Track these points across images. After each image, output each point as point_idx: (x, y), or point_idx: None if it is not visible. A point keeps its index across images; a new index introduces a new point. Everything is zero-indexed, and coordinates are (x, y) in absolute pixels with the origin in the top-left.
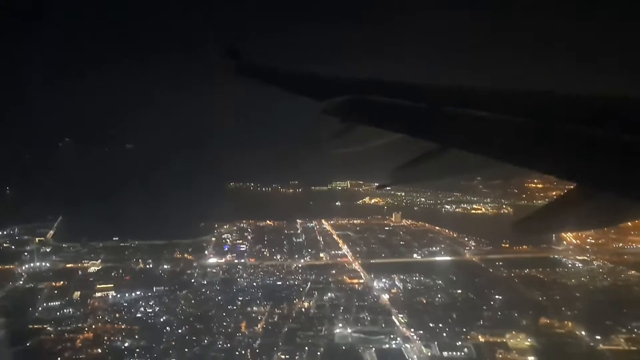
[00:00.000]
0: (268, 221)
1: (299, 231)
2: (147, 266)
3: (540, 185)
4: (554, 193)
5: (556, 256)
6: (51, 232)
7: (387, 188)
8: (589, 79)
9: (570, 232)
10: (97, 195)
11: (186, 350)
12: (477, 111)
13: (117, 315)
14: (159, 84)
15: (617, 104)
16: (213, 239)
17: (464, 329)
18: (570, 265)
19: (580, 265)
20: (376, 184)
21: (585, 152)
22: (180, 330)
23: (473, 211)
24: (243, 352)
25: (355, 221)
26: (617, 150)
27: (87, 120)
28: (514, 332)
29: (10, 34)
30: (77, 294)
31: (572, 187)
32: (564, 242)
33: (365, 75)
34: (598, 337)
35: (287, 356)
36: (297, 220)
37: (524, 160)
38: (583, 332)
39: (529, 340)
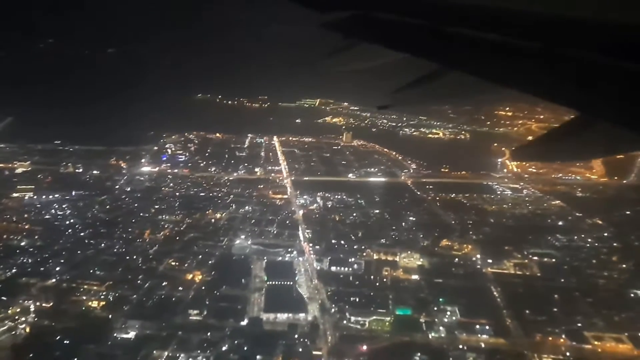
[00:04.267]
0: (217, 134)
1: (245, 146)
2: (76, 170)
3: (509, 114)
4: (520, 122)
5: (490, 183)
6: None
7: (350, 107)
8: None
9: (568, 161)
10: (56, 97)
11: (78, 252)
12: (482, 32)
13: (26, 215)
14: None
15: (629, 32)
16: (155, 148)
17: (363, 247)
18: (499, 192)
19: (509, 192)
20: (345, 103)
21: (590, 79)
22: (82, 234)
23: (430, 135)
24: (135, 257)
25: (306, 139)
26: (624, 80)
27: (71, 22)
28: (409, 252)
29: None
30: None
31: (571, 116)
32: (505, 170)
33: None
34: (490, 261)
35: (176, 263)
36: (248, 135)
37: (525, 85)
38: (478, 255)
39: (421, 260)
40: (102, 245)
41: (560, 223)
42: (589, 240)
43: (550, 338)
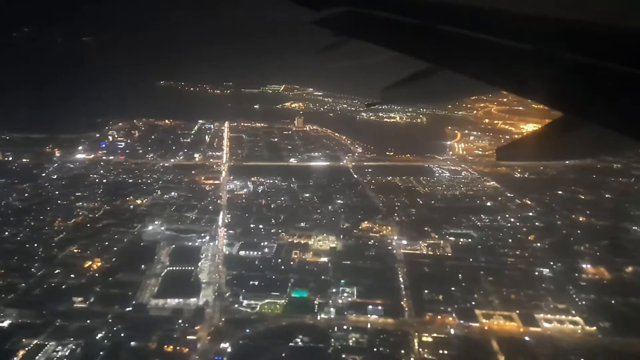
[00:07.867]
0: (167, 120)
1: (192, 132)
2: (6, 159)
3: (473, 97)
4: (481, 105)
5: (431, 165)
6: None
7: (314, 93)
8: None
9: (553, 161)
10: (10, 86)
11: None
12: (475, 33)
13: None
14: None
15: (621, 35)
16: (97, 135)
17: (280, 230)
18: (437, 175)
19: (447, 174)
20: (310, 88)
21: (579, 81)
22: None
23: (387, 119)
24: (37, 245)
25: (258, 124)
26: (613, 82)
27: (55, 11)
28: (325, 235)
29: None
30: None
31: (558, 116)
32: (450, 152)
33: None
34: (404, 242)
35: (79, 250)
36: (199, 121)
37: (516, 86)
38: (395, 237)
39: (335, 242)
40: (6, 233)
41: (488, 204)
42: (512, 220)
43: (439, 317)
